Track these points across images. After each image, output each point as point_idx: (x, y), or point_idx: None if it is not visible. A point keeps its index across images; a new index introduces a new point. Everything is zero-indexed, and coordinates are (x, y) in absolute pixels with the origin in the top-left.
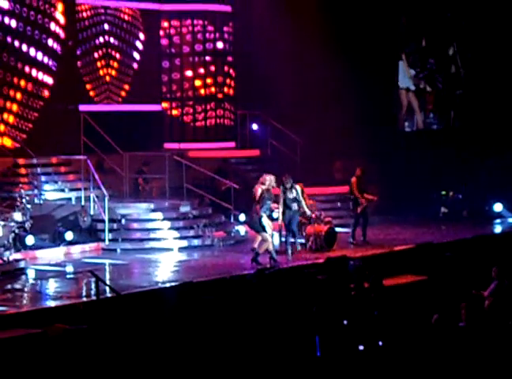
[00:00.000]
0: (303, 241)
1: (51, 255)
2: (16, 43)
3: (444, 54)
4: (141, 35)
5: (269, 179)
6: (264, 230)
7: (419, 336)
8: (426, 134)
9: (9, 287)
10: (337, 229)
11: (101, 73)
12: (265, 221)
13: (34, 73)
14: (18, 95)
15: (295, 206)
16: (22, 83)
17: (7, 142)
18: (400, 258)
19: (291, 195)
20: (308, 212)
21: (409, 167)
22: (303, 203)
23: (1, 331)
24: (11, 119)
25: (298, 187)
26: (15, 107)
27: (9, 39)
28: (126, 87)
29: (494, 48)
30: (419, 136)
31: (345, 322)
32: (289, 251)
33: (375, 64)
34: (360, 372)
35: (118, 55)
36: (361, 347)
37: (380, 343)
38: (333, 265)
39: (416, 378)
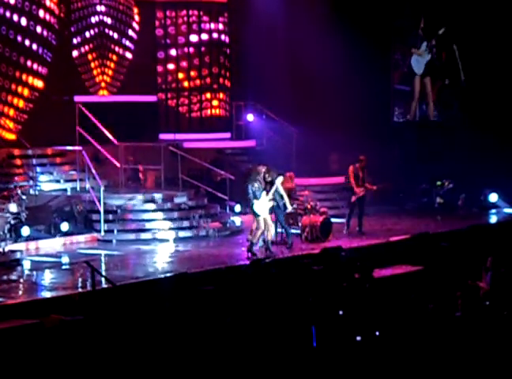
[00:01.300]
0: (298, 232)
1: (47, 246)
2: (11, 34)
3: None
4: (136, 26)
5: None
6: (257, 215)
7: (416, 326)
8: (422, 125)
9: (4, 278)
10: (333, 219)
11: (96, 63)
12: (256, 207)
13: (29, 63)
14: (13, 86)
15: (274, 201)
16: (17, 74)
17: (8, 135)
18: (397, 248)
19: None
20: (289, 207)
21: (405, 158)
22: (285, 197)
23: None
24: (6, 110)
25: (278, 181)
26: (10, 98)
27: (3, 30)
28: (122, 77)
29: (493, 39)
30: (415, 127)
31: (341, 312)
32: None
33: (372, 55)
34: (357, 362)
35: (112, 46)
36: (358, 338)
37: (377, 333)
38: (328, 256)
39: (413, 368)
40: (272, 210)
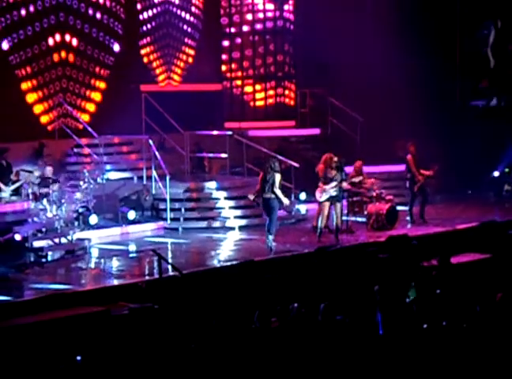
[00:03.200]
0: (363, 220)
1: (114, 234)
2: (79, 24)
3: None
4: (201, 15)
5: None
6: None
7: (484, 315)
8: (491, 111)
9: (72, 265)
10: (399, 207)
11: (162, 52)
12: (317, 191)
13: (96, 53)
14: (80, 76)
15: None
16: (84, 63)
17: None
18: (464, 236)
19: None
20: (286, 202)
21: (473, 145)
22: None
23: (66, 309)
24: (78, 102)
25: (277, 176)
26: (83, 90)
27: (71, 20)
28: (187, 66)
29: None
30: (483, 113)
31: (408, 300)
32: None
33: (439, 40)
34: (424, 351)
35: (178, 34)
36: (424, 326)
37: (444, 323)
38: (394, 244)
39: (481, 358)
40: (335, 199)
